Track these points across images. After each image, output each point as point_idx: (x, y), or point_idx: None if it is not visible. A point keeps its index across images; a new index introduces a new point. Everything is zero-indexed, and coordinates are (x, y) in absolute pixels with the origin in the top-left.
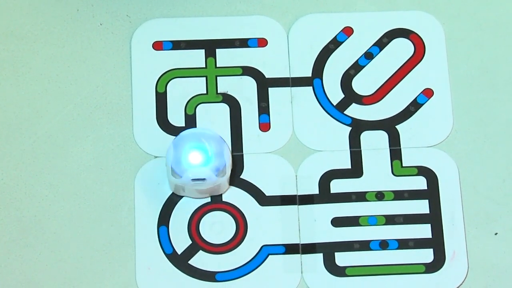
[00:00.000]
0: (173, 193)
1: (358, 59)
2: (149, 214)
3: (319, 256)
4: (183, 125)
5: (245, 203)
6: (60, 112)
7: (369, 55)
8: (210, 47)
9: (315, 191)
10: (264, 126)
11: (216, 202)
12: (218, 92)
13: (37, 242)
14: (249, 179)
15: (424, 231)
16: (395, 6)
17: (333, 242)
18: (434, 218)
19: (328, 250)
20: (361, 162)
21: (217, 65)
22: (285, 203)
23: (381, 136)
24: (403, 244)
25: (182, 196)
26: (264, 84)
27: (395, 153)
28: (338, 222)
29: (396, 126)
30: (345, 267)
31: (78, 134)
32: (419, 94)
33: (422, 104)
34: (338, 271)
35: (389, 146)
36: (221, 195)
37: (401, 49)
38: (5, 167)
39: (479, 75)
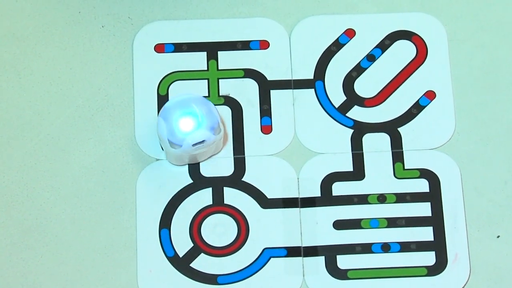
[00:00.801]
0: (174, 195)
1: (360, 61)
2: (150, 217)
3: (321, 259)
4: None
5: (247, 205)
6: (62, 114)
7: (371, 57)
8: (212, 49)
9: (317, 193)
10: (266, 128)
11: (218, 205)
12: (220, 94)
13: (39, 245)
14: (251, 182)
15: (426, 233)
16: (397, 8)
17: (335, 245)
18: (436, 220)
19: (330, 253)
20: (363, 164)
21: (219, 68)
22: (287, 206)
23: (383, 139)
24: (405, 246)
25: (183, 199)
26: (266, 86)
27: (397, 156)
28: (340, 224)
29: (398, 129)
30: (347, 270)
31: (79, 137)
32: (421, 96)
33: (424, 107)
34: (340, 274)
35: (391, 149)
36: (223, 198)
37: (403, 51)
38: (7, 169)
39: (481, 77)
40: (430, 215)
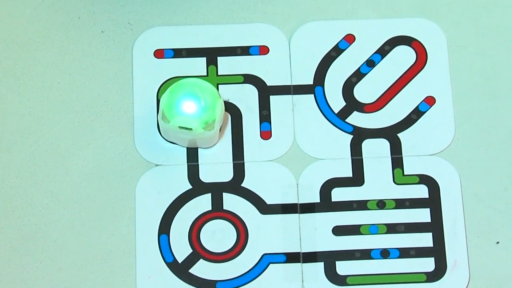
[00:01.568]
0: (174, 201)
1: (360, 66)
2: (149, 222)
3: (320, 265)
4: None
5: (246, 211)
6: (61, 120)
7: (371, 63)
8: (211, 55)
9: (316, 199)
10: (265, 134)
11: (217, 211)
12: None
13: (38, 251)
14: (250, 187)
15: (425, 240)
16: (397, 13)
17: (334, 250)
18: (435, 226)
19: (329, 259)
20: (363, 170)
21: (219, 73)
22: (286, 212)
23: (383, 144)
24: (405, 253)
25: (183, 204)
26: (265, 92)
27: (397, 162)
28: (339, 230)
29: (398, 134)
30: (346, 276)
31: (79, 142)
32: (421, 102)
33: (424, 112)
34: (339, 280)
35: (391, 154)
36: (222, 203)
37: (403, 56)
38: (6, 175)
39: (481, 83)
40: (429, 221)
